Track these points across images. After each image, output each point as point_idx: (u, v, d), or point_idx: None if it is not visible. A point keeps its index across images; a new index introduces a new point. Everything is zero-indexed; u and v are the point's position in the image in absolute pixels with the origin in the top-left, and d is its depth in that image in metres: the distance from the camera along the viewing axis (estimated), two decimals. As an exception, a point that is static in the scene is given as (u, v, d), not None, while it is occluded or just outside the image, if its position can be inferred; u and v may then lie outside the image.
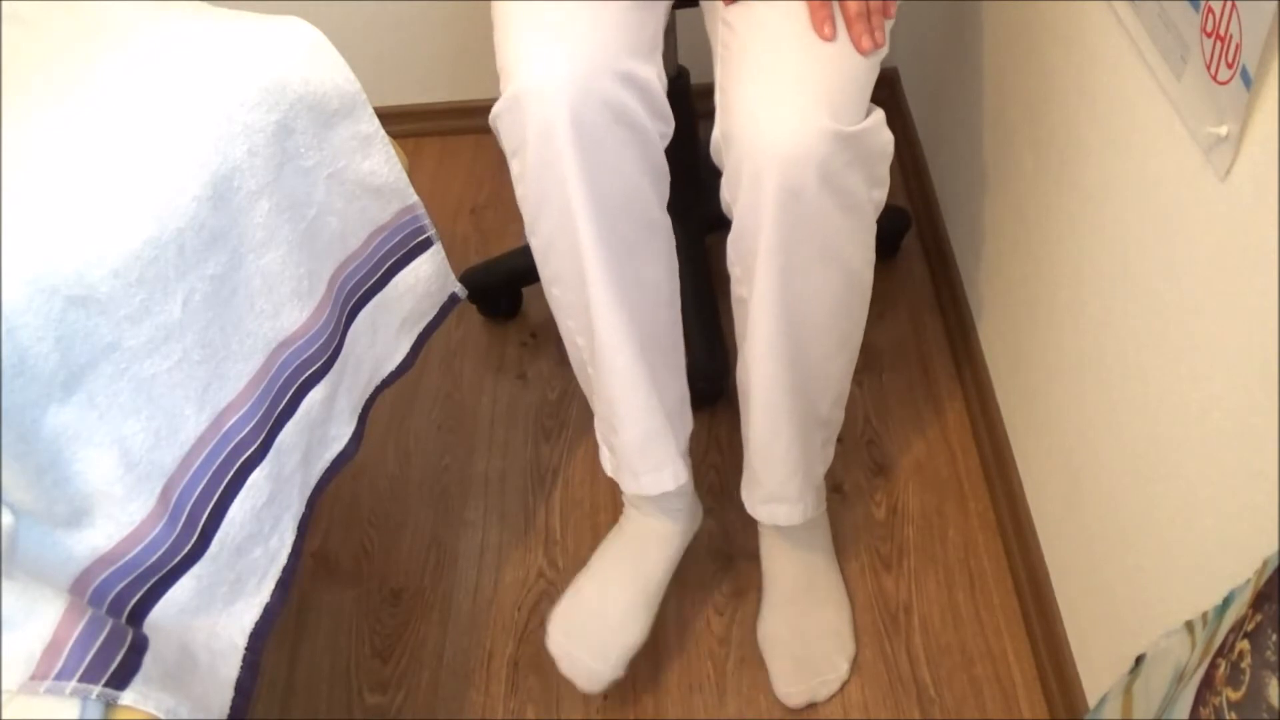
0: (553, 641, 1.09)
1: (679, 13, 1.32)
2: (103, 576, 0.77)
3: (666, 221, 1.00)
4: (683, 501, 1.11)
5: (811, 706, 1.10)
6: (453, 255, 1.10)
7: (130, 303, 0.76)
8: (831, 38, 0.87)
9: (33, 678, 0.67)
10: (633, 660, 1.08)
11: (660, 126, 0.94)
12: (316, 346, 0.93)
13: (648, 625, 1.09)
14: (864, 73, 0.88)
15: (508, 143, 0.91)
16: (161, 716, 0.72)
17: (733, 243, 0.93)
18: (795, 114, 0.83)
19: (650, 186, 0.95)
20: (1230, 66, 0.65)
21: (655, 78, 0.92)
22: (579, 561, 1.23)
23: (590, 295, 0.95)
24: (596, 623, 1.09)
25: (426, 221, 1.03)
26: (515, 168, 0.93)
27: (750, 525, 1.16)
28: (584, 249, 0.92)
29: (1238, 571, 0.65)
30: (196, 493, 0.83)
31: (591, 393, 1.07)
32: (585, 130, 0.87)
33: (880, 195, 0.92)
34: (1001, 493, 1.22)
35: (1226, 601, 0.61)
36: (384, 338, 1.04)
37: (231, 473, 0.86)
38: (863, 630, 1.15)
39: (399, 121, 1.59)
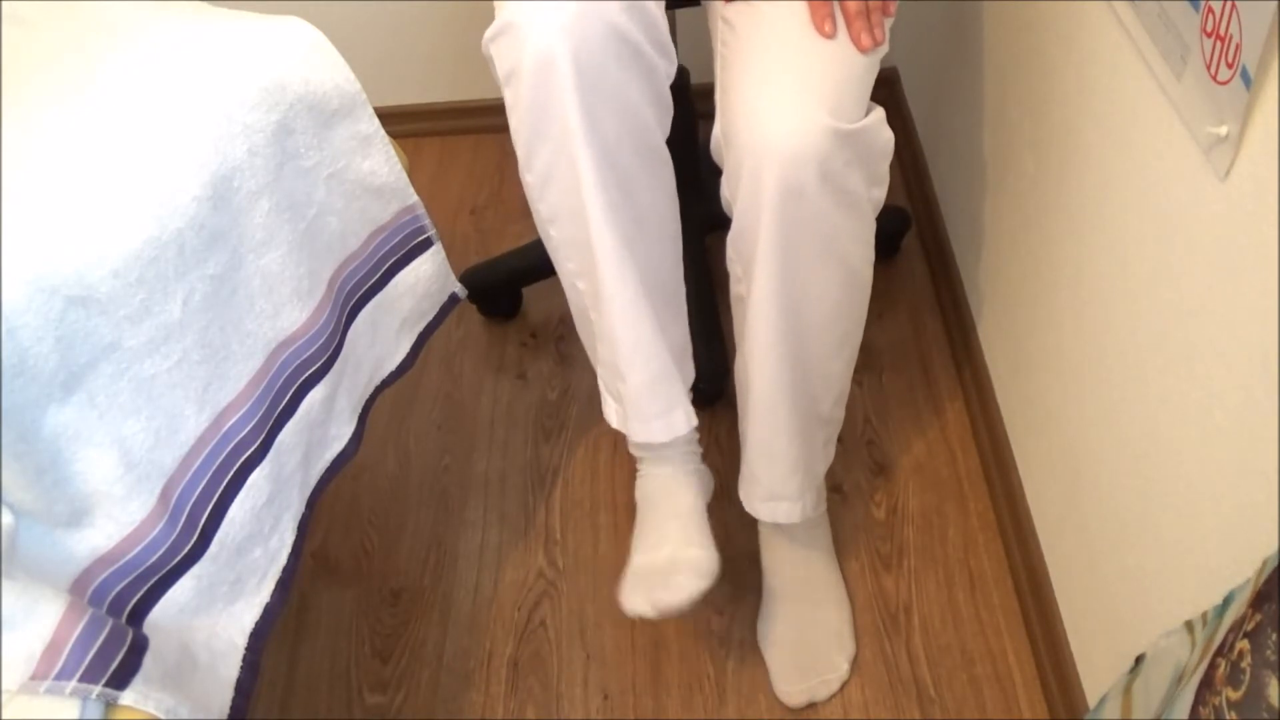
0: (631, 601, 0.99)
1: (679, 13, 1.31)
2: (103, 576, 0.77)
3: (667, 153, 0.96)
4: (691, 449, 1.08)
5: (811, 706, 1.10)
6: (453, 255, 1.10)
7: (130, 303, 0.76)
8: (832, 35, 0.87)
9: (33, 678, 0.67)
10: (634, 658, 1.08)
11: (665, 65, 0.91)
12: (316, 346, 0.93)
13: (711, 541, 1.01)
14: (864, 71, 0.88)
15: (501, 68, 0.88)
16: (161, 716, 0.72)
17: (733, 241, 0.93)
18: (796, 112, 0.83)
19: (653, 116, 0.92)
20: (1230, 66, 0.65)
21: (660, 15, 0.89)
22: (579, 561, 1.23)
23: (591, 230, 0.91)
24: (663, 557, 1.01)
25: (426, 221, 1.03)
26: (509, 96, 0.89)
27: (750, 525, 1.16)
28: (583, 180, 0.89)
29: (1238, 571, 0.65)
30: (196, 493, 0.83)
31: (593, 339, 1.03)
32: (585, 53, 0.84)
33: (880, 194, 0.92)
34: (1001, 493, 1.22)
35: (1226, 601, 0.61)
36: (384, 338, 1.04)
37: (231, 473, 0.86)
38: (863, 630, 1.15)
39: (399, 121, 1.59)
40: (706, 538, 1.02)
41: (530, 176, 0.93)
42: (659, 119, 0.93)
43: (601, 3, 0.84)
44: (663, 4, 0.92)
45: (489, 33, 0.87)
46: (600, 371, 1.06)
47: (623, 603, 1.01)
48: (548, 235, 0.97)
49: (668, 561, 1.01)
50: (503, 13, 0.86)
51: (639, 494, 1.11)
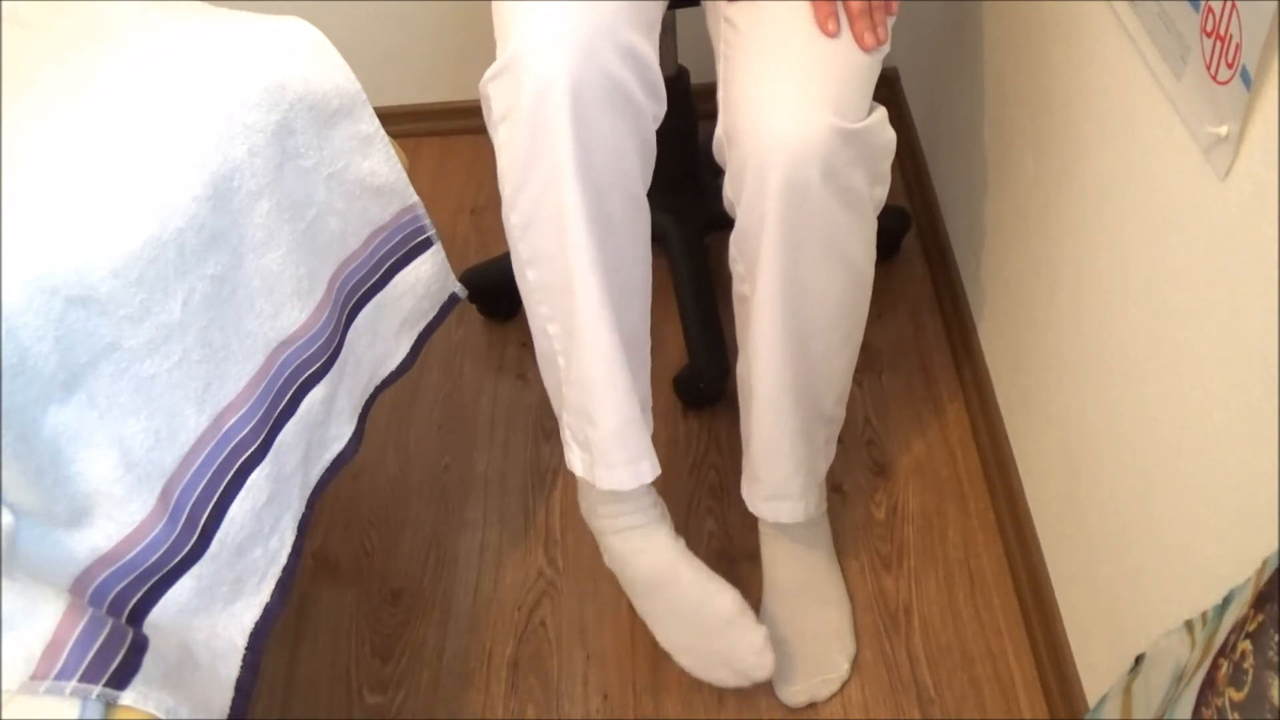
0: (701, 670, 1.07)
1: (679, 13, 1.31)
2: (103, 576, 0.77)
3: (647, 204, 0.97)
4: (652, 498, 1.08)
5: (811, 706, 1.10)
6: (453, 255, 1.10)
7: (130, 303, 0.76)
8: (835, 34, 0.87)
9: (33, 678, 0.67)
10: (634, 658, 1.08)
11: (654, 107, 0.92)
12: (316, 346, 0.93)
13: (728, 588, 1.05)
14: (866, 70, 0.88)
15: (498, 106, 0.89)
16: (161, 716, 0.72)
17: (736, 240, 0.93)
18: (799, 110, 0.83)
19: (639, 163, 0.93)
20: (1230, 66, 0.65)
21: (653, 56, 0.90)
22: (579, 561, 1.23)
23: (573, 269, 0.91)
24: (706, 632, 1.06)
25: (426, 221, 1.03)
26: (502, 134, 0.90)
27: (751, 526, 1.16)
28: (570, 218, 0.89)
29: (1238, 571, 0.65)
30: (196, 493, 0.83)
31: (559, 385, 1.03)
32: (582, 96, 0.85)
33: (881, 192, 0.92)
34: (1001, 493, 1.22)
35: (1226, 601, 0.61)
36: (384, 338, 1.04)
37: (231, 473, 0.86)
38: (863, 630, 1.15)
39: (399, 121, 1.59)
40: (721, 583, 1.05)
41: (515, 217, 0.93)
42: (643, 168, 0.94)
43: (599, 48, 0.85)
44: (657, 47, 0.92)
45: (489, 73, 0.88)
46: (565, 418, 1.04)
47: (708, 680, 1.06)
48: (524, 277, 0.97)
49: (725, 642, 1.05)
50: (506, 48, 0.86)
51: (616, 564, 1.10)
